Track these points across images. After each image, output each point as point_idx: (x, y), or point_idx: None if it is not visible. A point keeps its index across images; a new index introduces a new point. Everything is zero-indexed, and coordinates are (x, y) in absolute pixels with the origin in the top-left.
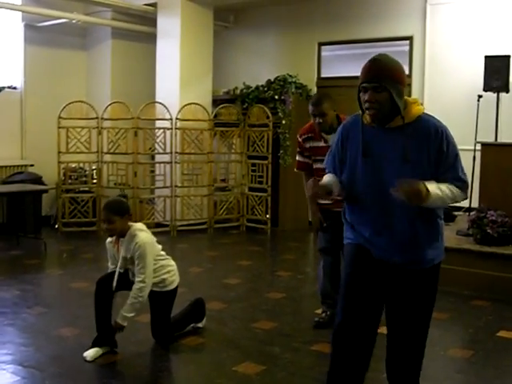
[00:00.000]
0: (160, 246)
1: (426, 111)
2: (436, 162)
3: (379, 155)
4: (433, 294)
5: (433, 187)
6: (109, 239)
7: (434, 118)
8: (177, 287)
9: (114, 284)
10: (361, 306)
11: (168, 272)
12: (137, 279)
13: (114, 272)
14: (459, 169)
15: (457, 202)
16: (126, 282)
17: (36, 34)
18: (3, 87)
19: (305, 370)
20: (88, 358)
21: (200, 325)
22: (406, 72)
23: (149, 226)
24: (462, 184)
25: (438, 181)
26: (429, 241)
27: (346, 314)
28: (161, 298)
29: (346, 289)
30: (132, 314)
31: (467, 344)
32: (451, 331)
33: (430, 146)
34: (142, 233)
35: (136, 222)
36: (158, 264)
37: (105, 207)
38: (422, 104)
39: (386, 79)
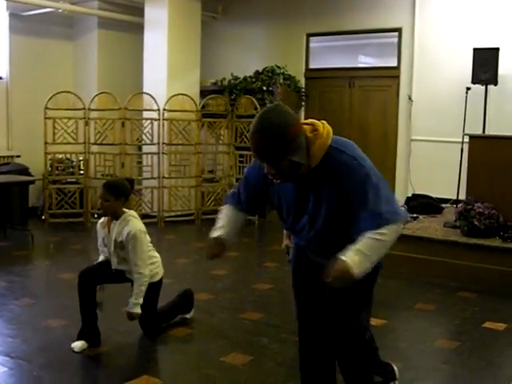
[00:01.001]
0: (149, 238)
1: (332, 139)
2: (351, 204)
3: (290, 200)
4: (364, 293)
5: (354, 259)
6: (100, 220)
7: (341, 151)
8: (161, 279)
9: (114, 266)
10: (306, 299)
11: (153, 263)
12: (134, 269)
13: (97, 264)
14: (380, 206)
15: (395, 237)
16: (108, 273)
17: (21, 23)
18: None
19: (292, 360)
20: (76, 349)
21: (188, 316)
22: (394, 64)
23: None
24: (387, 221)
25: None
26: None
27: (298, 307)
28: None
29: (293, 284)
30: (141, 300)
31: (454, 335)
32: (438, 322)
33: (339, 189)
34: (136, 220)
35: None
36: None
37: (103, 184)
38: (322, 133)
39: (276, 152)
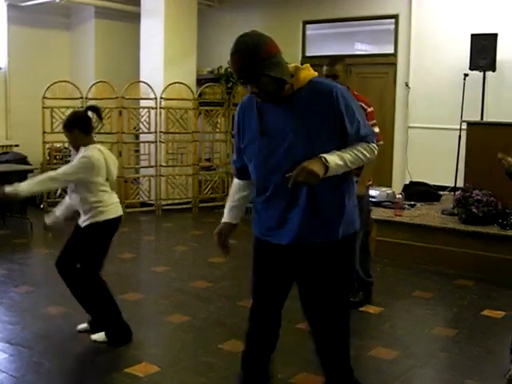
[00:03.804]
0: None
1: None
2: (336, 125)
3: (275, 129)
4: (340, 268)
5: (332, 157)
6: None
7: (325, 80)
8: (109, 221)
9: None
10: (266, 292)
11: (98, 202)
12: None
13: (66, 247)
14: (361, 125)
15: (368, 159)
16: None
17: (19, 13)
18: None
19: (289, 347)
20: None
21: (97, 337)
22: (391, 51)
23: (134, 206)
24: (366, 139)
25: (344, 146)
26: (331, 215)
27: (255, 300)
28: (80, 232)
29: (253, 277)
30: (24, 186)
31: (451, 323)
32: (435, 310)
33: (326, 109)
34: (94, 150)
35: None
36: (92, 189)
37: None
38: (310, 69)
39: (254, 69)
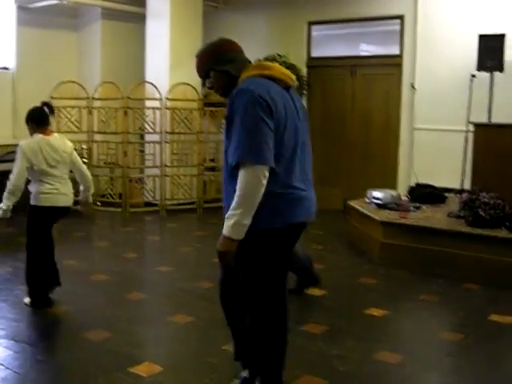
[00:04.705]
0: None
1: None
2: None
3: None
4: (246, 258)
5: (226, 224)
6: None
7: (249, 83)
8: (49, 208)
9: None
10: None
11: (42, 189)
12: None
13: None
14: (236, 149)
15: (253, 180)
16: None
17: (28, 15)
18: None
19: (294, 349)
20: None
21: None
22: (397, 52)
23: (138, 206)
24: (238, 159)
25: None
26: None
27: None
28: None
29: None
30: (7, 205)
31: (457, 327)
32: (441, 314)
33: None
34: (30, 138)
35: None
36: (37, 177)
37: None
38: (264, 68)
39: (202, 66)
